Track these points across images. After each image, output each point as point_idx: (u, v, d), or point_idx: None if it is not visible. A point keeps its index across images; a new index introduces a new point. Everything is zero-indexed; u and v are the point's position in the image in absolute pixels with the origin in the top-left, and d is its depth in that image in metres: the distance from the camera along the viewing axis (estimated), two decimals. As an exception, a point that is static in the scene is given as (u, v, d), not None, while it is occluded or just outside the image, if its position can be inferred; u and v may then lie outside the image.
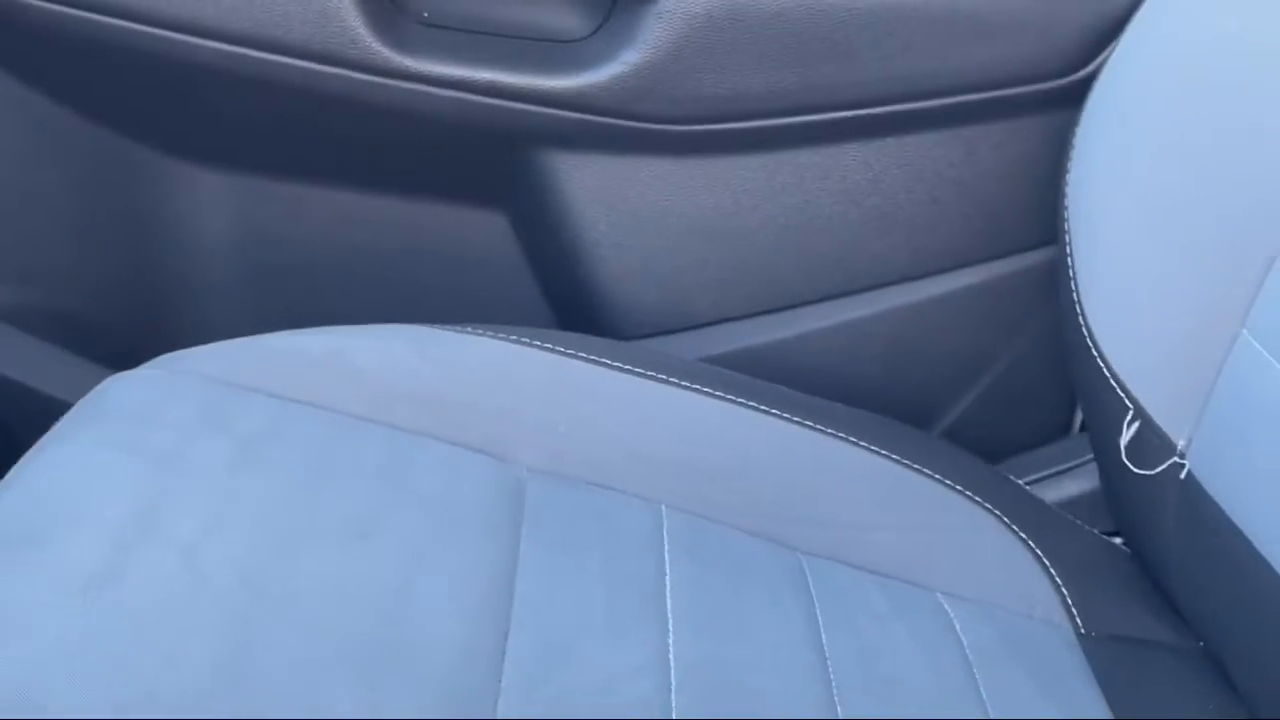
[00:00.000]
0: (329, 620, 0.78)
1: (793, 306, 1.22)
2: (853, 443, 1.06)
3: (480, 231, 1.28)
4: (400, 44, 1.16)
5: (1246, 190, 0.93)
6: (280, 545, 0.82)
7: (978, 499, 1.05)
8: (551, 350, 1.07)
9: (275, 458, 0.90)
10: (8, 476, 0.86)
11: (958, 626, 0.95)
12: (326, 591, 0.79)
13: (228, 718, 0.71)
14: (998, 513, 1.05)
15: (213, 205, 1.28)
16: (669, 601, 0.87)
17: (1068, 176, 1.05)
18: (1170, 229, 0.97)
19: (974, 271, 1.21)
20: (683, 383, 1.07)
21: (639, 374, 1.07)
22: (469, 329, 1.07)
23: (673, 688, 0.80)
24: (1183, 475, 0.94)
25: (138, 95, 1.24)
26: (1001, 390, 1.25)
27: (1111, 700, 0.93)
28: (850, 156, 1.18)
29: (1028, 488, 1.15)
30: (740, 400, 1.07)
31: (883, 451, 1.07)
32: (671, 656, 0.83)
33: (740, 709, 0.81)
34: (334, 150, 1.25)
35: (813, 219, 1.19)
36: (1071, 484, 1.20)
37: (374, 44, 1.14)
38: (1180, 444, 0.94)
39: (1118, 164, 1.02)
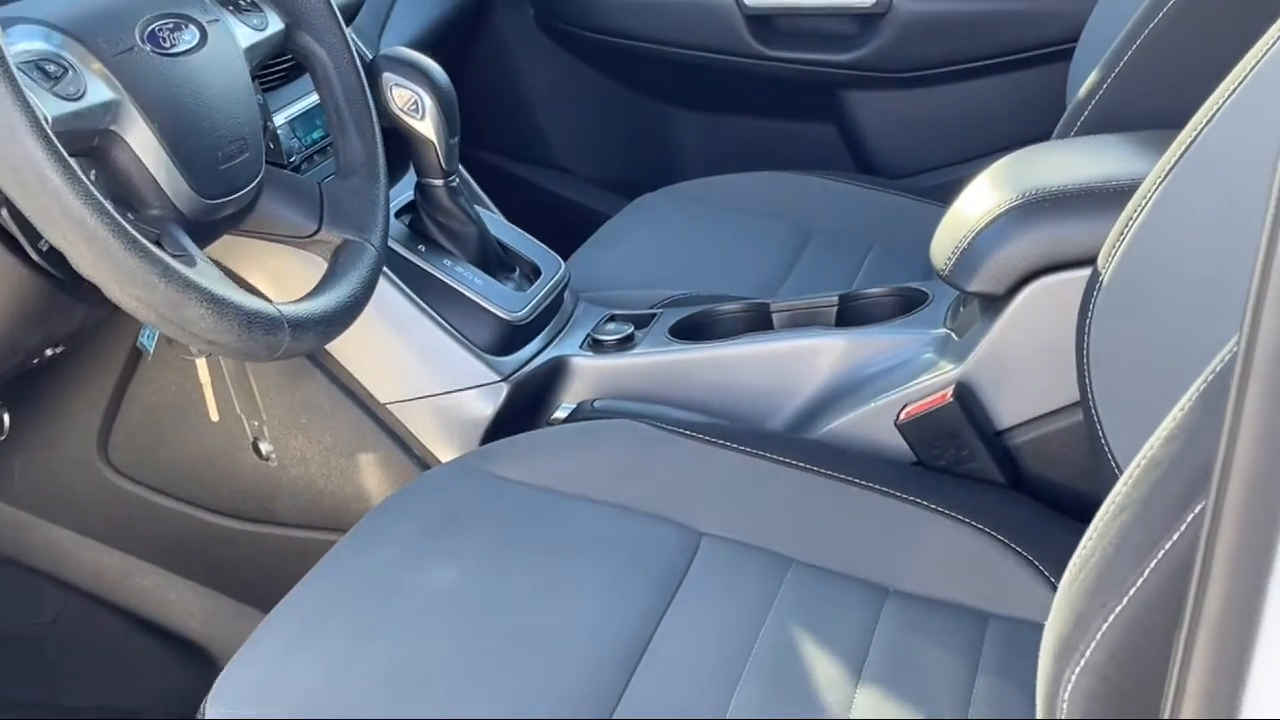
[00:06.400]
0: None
1: (951, 163, 2.39)
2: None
3: (817, 133, 2.53)
4: (767, 42, 2.42)
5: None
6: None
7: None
8: (840, 180, 2.27)
9: (692, 213, 2.15)
10: (592, 236, 2.17)
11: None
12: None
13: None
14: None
15: (680, 126, 2.62)
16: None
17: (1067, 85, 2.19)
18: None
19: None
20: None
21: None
22: (799, 172, 2.29)
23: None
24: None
25: (642, 71, 2.56)
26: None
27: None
28: (977, 84, 2.37)
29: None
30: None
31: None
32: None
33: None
34: (734, 96, 2.53)
35: (957, 116, 2.39)
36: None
37: (754, 44, 2.41)
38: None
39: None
